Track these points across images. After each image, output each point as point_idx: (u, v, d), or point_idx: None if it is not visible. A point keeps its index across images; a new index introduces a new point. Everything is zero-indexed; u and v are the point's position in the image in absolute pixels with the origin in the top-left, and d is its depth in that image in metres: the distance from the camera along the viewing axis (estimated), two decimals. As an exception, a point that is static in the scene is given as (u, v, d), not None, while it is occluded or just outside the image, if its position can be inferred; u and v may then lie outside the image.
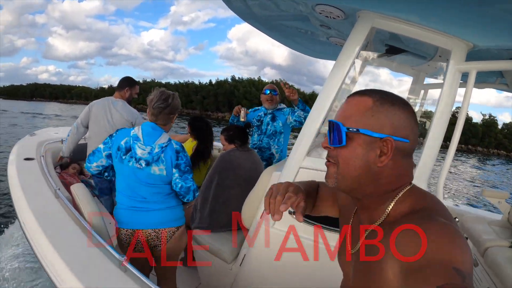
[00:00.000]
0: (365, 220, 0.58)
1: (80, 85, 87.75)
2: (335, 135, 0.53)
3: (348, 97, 0.56)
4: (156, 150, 1.34)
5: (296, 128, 2.40)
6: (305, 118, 2.32)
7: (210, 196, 1.86)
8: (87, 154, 2.32)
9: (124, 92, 2.41)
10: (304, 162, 1.39)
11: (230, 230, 1.88)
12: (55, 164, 2.64)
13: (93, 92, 65.92)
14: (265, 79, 41.27)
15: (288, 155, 2.55)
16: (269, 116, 2.54)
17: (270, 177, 1.59)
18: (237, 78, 40.12)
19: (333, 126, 0.54)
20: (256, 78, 39.09)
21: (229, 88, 37.84)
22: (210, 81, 42.71)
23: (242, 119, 2.46)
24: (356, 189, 0.55)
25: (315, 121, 1.38)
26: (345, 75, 1.32)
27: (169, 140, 1.40)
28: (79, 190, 1.53)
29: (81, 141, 2.96)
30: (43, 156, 2.36)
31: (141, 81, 52.48)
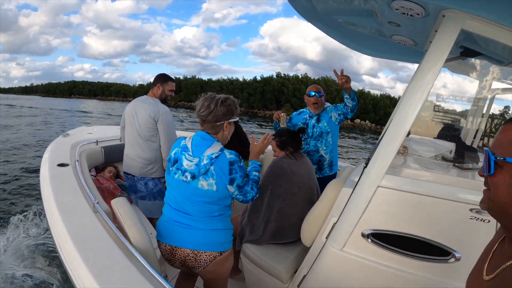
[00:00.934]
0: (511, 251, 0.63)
1: (115, 82, 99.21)
2: (486, 163, 0.62)
3: (503, 123, 0.63)
4: (204, 161, 1.33)
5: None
6: (352, 107, 2.47)
7: (264, 206, 1.92)
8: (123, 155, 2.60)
9: (156, 89, 2.54)
10: (383, 181, 1.39)
11: (285, 243, 1.93)
12: (89, 168, 2.77)
13: (132, 89, 72.95)
14: (298, 74, 45.37)
15: (338, 160, 2.74)
16: (315, 118, 2.63)
17: (336, 192, 1.63)
18: (283, 75, 44.61)
19: (486, 154, 0.62)
20: (291, 75, 43.25)
21: (276, 85, 40.29)
22: (255, 78, 45.46)
23: (282, 125, 2.55)
24: (505, 217, 0.62)
25: (396, 135, 1.37)
26: (432, 82, 1.31)
27: (221, 150, 1.37)
28: (120, 206, 1.55)
29: (117, 142, 3.24)
30: (77, 161, 2.48)
31: (181, 77, 59.21)
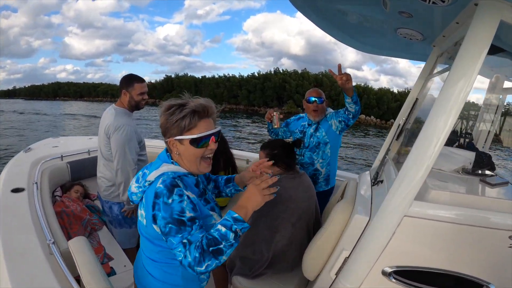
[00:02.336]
0: None
1: (99, 82, 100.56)
2: None
3: None
4: (144, 187, 1.17)
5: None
6: (355, 113, 2.30)
7: (259, 240, 1.83)
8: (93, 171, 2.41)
9: (123, 97, 2.26)
10: (411, 209, 1.25)
11: (281, 273, 1.85)
12: (54, 187, 2.68)
13: None
14: (281, 69, 46.37)
15: (335, 174, 2.62)
16: (313, 126, 2.49)
17: (345, 218, 1.54)
18: (281, 71, 44.74)
19: None
20: (281, 70, 42.97)
21: (277, 81, 40.53)
22: (254, 74, 46.00)
23: (275, 126, 2.46)
24: None
25: (427, 152, 1.19)
26: (468, 86, 1.15)
27: (161, 175, 1.14)
28: (75, 248, 1.46)
29: (83, 156, 3.13)
30: (36, 183, 2.33)
31: (173, 75, 59.42)
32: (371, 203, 1.42)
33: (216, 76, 51.69)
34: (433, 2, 1.27)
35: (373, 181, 1.80)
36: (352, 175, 3.03)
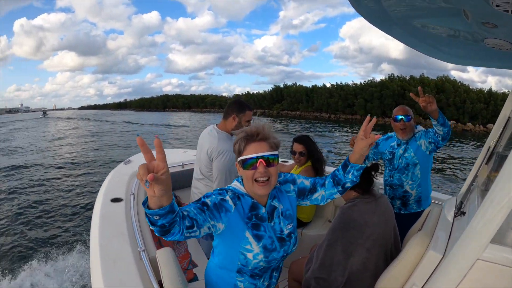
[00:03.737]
0: None
1: (201, 93, 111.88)
2: None
3: None
4: None
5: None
6: (444, 135, 2.34)
7: (333, 263, 1.93)
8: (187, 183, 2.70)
9: (230, 121, 2.47)
10: (486, 252, 1.18)
11: None
12: None
13: (229, 100, 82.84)
14: (381, 75, 44.33)
15: (428, 195, 2.66)
16: (403, 147, 2.57)
17: (421, 251, 1.58)
18: (394, 76, 41.66)
19: None
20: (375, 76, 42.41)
21: (396, 88, 40.09)
22: (370, 81, 45.66)
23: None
24: None
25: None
26: None
27: (227, 188, 1.49)
28: (162, 258, 1.74)
29: (177, 169, 3.55)
30: (133, 194, 2.69)
31: (281, 85, 60.23)
32: (449, 238, 1.45)
33: (328, 85, 52.44)
34: None
35: (456, 211, 1.78)
36: (439, 195, 2.96)
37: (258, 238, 1.41)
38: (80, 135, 27.65)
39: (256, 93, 71.67)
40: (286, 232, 1.49)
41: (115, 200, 2.68)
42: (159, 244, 2.42)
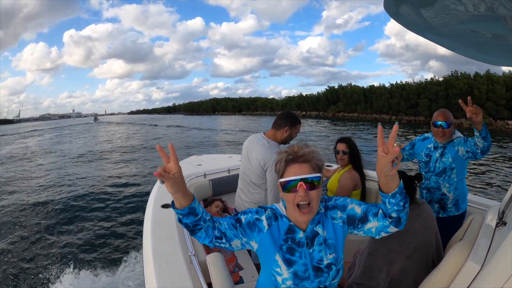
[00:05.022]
0: None
1: (247, 96, 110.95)
2: None
3: None
4: None
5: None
6: (484, 148, 2.43)
7: (374, 271, 2.02)
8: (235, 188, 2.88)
9: (282, 132, 2.66)
10: None
11: None
12: (199, 200, 3.25)
13: (280, 102, 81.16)
14: (430, 73, 40.64)
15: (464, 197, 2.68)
16: (440, 151, 2.68)
17: (461, 261, 1.61)
18: (456, 73, 39.06)
19: None
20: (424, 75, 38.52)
21: (463, 87, 38.01)
22: (432, 79, 44.01)
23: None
24: None
25: None
26: None
27: (269, 207, 1.50)
28: (212, 262, 1.94)
29: (223, 174, 3.83)
30: None
31: (336, 86, 59.72)
32: (489, 249, 1.45)
33: (387, 85, 50.68)
34: None
35: (497, 221, 1.78)
36: (488, 201, 2.94)
37: (288, 263, 1.39)
38: (131, 139, 28.96)
39: (309, 94, 71.03)
40: (325, 262, 1.41)
41: (165, 206, 2.89)
42: (208, 249, 2.60)
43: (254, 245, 1.41)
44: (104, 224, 7.26)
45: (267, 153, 2.61)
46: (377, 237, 1.44)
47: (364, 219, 1.41)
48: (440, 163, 2.72)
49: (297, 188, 1.31)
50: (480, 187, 9.63)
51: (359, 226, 1.43)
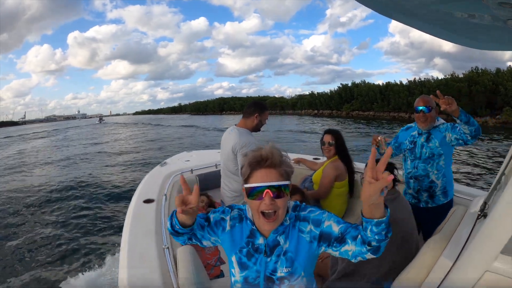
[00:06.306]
0: None
1: (252, 96, 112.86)
2: None
3: None
4: None
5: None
6: (472, 133, 2.46)
7: (362, 262, 1.98)
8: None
9: (252, 119, 2.88)
10: (495, 263, 1.18)
11: None
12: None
13: (290, 101, 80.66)
14: (435, 71, 39.93)
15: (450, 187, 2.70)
16: (424, 136, 2.73)
17: (437, 254, 1.61)
18: (479, 70, 41.68)
19: None
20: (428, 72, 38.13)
21: (487, 83, 36.98)
22: (455, 76, 42.83)
23: (382, 151, 2.70)
24: None
25: None
26: None
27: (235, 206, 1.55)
28: (181, 255, 1.99)
29: (211, 169, 3.90)
30: (165, 195, 3.01)
31: (349, 84, 59.05)
32: (465, 242, 1.42)
33: (405, 83, 49.82)
34: None
35: (479, 212, 1.71)
36: (476, 191, 2.99)
37: (242, 266, 1.38)
38: (139, 140, 29.59)
39: (322, 92, 70.46)
40: (279, 274, 1.34)
41: (147, 201, 2.95)
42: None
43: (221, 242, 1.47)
44: (96, 222, 7.53)
45: (236, 138, 2.82)
46: (353, 260, 1.33)
47: (341, 240, 1.30)
48: (426, 148, 2.75)
49: (263, 196, 1.26)
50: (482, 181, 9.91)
51: (335, 245, 1.32)
